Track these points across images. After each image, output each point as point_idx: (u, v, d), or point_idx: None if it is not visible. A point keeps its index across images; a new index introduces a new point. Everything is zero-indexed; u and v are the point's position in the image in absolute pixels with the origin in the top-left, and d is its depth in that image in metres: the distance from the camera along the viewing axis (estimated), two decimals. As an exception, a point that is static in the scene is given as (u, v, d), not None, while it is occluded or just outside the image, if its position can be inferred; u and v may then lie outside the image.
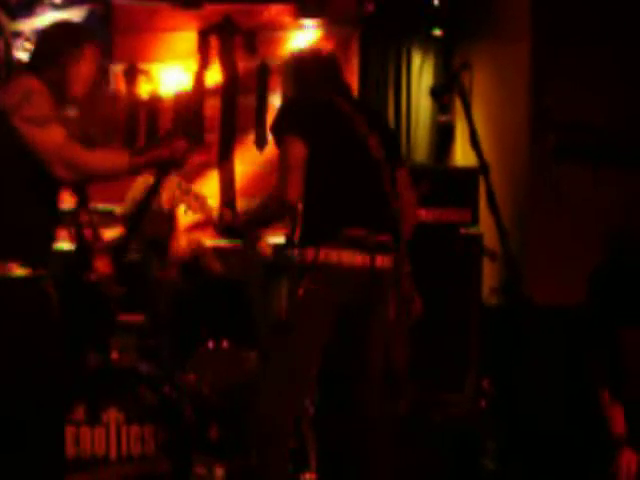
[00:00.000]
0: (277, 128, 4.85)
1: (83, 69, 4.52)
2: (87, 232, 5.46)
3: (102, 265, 5.39)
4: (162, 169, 5.01)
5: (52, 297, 4.66)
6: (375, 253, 4.64)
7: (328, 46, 8.03)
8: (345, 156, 4.76)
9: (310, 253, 4.66)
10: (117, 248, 5.60)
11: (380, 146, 4.80)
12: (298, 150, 4.70)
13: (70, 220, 5.51)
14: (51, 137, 4.25)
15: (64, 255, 5.51)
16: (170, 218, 6.50)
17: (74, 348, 5.19)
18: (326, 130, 4.74)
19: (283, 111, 4.97)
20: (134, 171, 4.85)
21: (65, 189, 4.86)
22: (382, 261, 4.67)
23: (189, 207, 5.01)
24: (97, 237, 5.50)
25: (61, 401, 4.73)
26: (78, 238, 5.48)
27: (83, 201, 5.42)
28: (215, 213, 5.03)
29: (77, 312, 5.32)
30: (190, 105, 7.92)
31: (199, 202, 5.02)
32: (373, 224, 4.71)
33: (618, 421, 4.41)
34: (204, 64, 7.94)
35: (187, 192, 5.05)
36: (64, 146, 4.32)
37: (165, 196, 5.28)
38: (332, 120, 4.82)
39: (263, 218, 5.08)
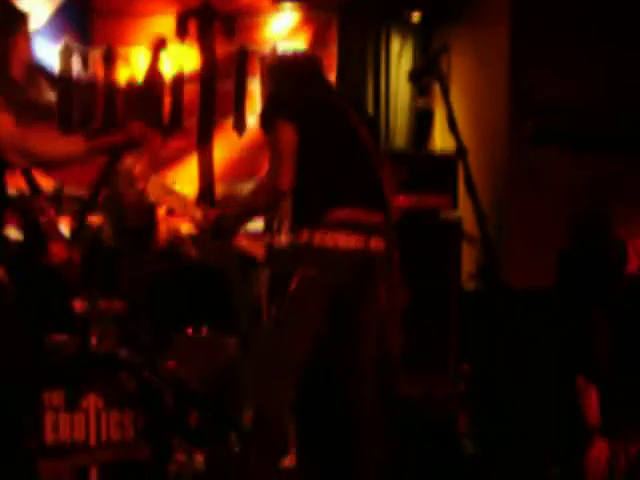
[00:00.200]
0: (267, 114, 4.82)
1: (20, 51, 4.56)
2: (42, 218, 5.47)
3: (57, 250, 5.39)
4: (117, 152, 5.05)
5: (3, 282, 4.68)
6: (370, 235, 4.64)
7: (307, 30, 8.06)
8: (338, 142, 4.75)
9: (304, 236, 4.66)
10: (74, 229, 5.58)
11: (370, 135, 4.80)
12: (289, 136, 4.66)
13: (21, 206, 5.51)
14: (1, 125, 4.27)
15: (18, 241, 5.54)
16: (151, 209, 6.50)
17: (31, 333, 5.18)
18: (318, 116, 4.74)
19: (274, 98, 4.97)
20: (91, 155, 4.93)
21: (14, 175, 4.89)
22: (376, 243, 4.67)
23: (172, 208, 5.12)
24: (52, 223, 5.49)
25: (23, 387, 4.74)
26: (31, 224, 5.48)
27: (35, 187, 5.42)
28: (199, 214, 4.94)
29: (32, 296, 5.34)
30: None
31: (182, 203, 5.00)
32: (366, 207, 4.71)
33: (591, 409, 4.49)
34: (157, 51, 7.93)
35: (170, 193, 5.01)
36: (16, 133, 4.33)
37: (150, 195, 5.22)
38: (324, 108, 4.83)
39: (252, 209, 5.08)
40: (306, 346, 4.74)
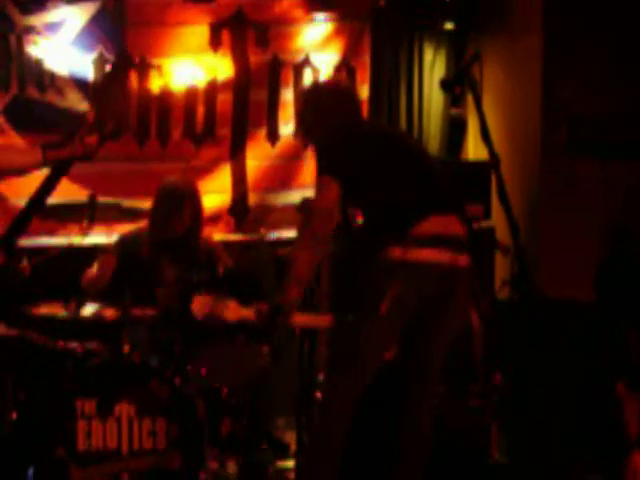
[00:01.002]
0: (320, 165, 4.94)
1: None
2: None
3: None
4: (67, 164, 5.17)
5: None
6: (456, 249, 4.80)
7: (340, 40, 8.07)
8: (397, 160, 5.00)
9: (397, 252, 4.74)
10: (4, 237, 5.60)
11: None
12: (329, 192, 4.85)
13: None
14: None
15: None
16: (196, 221, 6.52)
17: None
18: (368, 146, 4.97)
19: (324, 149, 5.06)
20: (47, 165, 5.26)
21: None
22: (462, 257, 4.84)
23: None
24: None
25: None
26: None
27: None
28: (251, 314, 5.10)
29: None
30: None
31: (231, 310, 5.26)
32: (447, 218, 4.88)
33: (632, 420, 4.27)
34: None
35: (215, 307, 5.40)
36: None
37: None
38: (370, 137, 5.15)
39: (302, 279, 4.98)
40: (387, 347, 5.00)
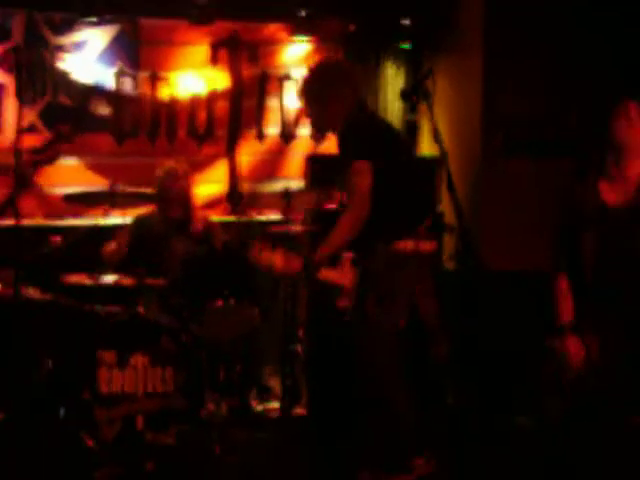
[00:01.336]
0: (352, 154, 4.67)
1: None
2: None
3: None
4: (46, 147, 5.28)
5: None
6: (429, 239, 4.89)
7: (317, 58, 8.03)
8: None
9: (409, 245, 4.76)
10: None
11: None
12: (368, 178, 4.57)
13: None
14: None
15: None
16: (187, 201, 6.51)
17: None
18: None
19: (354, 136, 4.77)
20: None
21: None
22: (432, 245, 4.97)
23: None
24: None
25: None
26: None
27: None
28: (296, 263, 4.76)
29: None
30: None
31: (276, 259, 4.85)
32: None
33: (567, 310, 4.30)
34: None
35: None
36: None
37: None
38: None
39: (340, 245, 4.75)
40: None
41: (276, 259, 4.73)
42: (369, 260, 4.72)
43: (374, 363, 4.87)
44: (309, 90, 5.01)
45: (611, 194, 4.23)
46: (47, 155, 5.73)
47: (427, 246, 4.89)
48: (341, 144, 4.84)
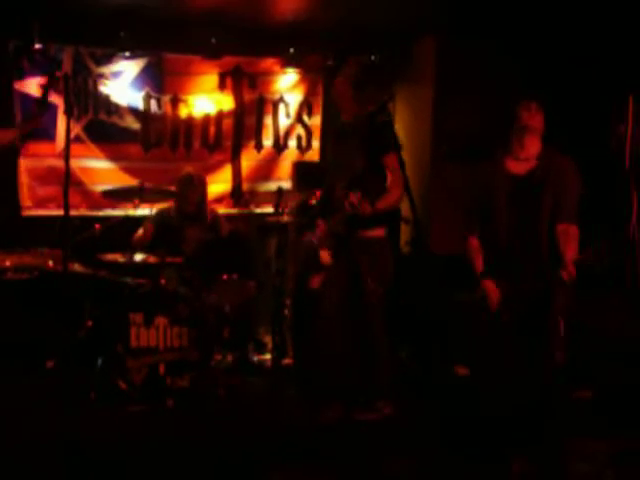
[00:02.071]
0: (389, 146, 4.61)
1: None
2: None
3: None
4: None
5: None
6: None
7: (303, 85, 8.06)
8: None
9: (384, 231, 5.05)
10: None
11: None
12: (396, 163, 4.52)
13: None
14: None
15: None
16: (202, 200, 6.53)
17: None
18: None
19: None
20: (18, 139, 5.68)
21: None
22: None
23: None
24: None
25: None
26: None
27: None
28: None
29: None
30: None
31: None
32: None
33: (479, 262, 4.51)
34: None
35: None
36: None
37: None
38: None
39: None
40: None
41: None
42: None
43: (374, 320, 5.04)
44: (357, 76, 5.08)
45: (516, 167, 4.42)
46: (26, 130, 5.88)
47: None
48: (372, 136, 4.80)
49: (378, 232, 5.02)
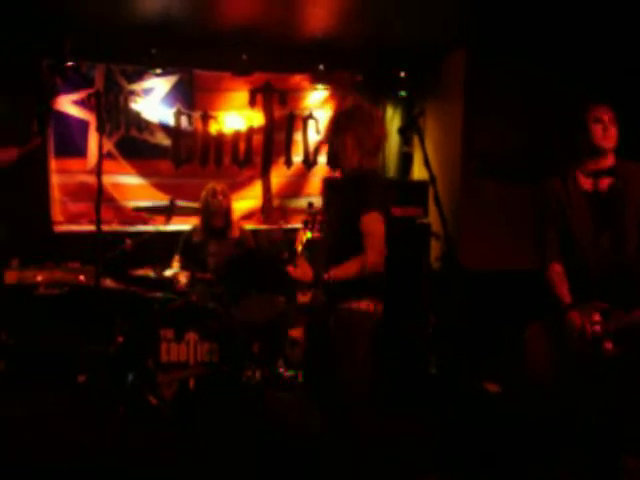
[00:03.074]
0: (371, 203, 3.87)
1: None
2: None
3: None
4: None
5: None
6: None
7: (332, 102, 8.07)
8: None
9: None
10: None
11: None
12: (380, 224, 3.86)
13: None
14: None
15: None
16: (228, 214, 6.50)
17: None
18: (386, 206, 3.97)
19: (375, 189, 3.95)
20: (19, 158, 5.72)
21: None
22: None
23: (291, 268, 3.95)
24: None
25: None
26: None
27: None
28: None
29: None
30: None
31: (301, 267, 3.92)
32: None
33: (565, 292, 4.06)
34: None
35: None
36: None
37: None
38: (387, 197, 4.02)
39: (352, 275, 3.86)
40: None
41: (292, 268, 3.93)
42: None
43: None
44: (333, 123, 4.18)
45: (589, 183, 4.10)
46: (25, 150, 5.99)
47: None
48: (353, 188, 3.99)
49: (361, 304, 3.98)
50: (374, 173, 4.09)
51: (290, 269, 3.91)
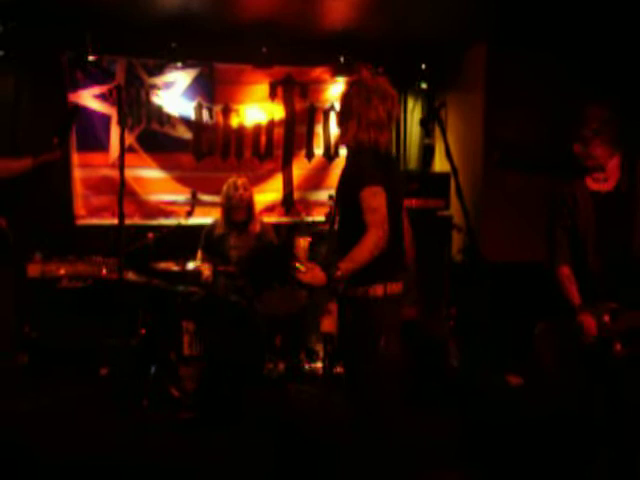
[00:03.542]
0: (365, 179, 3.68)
1: None
2: None
3: None
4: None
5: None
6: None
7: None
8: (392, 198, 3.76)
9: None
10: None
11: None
12: (384, 200, 3.66)
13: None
14: None
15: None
16: (249, 207, 6.49)
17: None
18: (389, 182, 3.74)
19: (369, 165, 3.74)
20: (34, 168, 5.57)
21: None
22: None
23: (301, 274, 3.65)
24: None
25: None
26: None
27: None
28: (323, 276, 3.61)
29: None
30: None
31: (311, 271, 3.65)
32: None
33: (575, 293, 4.06)
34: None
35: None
36: None
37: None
38: (391, 173, 3.82)
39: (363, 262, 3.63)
40: None
41: (302, 273, 3.64)
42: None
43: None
44: (342, 99, 3.99)
45: (597, 184, 4.10)
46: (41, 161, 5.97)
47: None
48: (353, 165, 3.85)
49: (368, 290, 3.77)
50: (372, 147, 3.80)
51: (300, 275, 3.65)
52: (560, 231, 4.19)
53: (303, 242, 4.16)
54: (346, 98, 3.92)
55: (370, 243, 3.60)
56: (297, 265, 3.68)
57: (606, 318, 3.93)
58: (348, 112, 3.87)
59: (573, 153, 4.12)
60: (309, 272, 3.65)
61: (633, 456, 3.97)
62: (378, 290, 3.72)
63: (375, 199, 3.64)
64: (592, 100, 4.18)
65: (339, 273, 3.60)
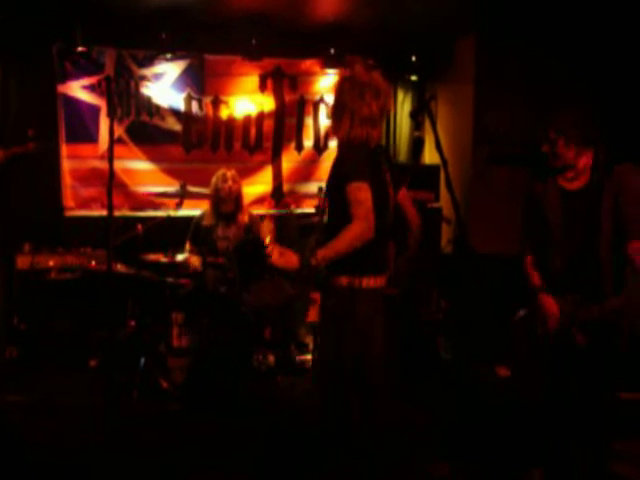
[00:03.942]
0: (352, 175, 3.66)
1: None
2: None
3: None
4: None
5: None
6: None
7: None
8: (379, 193, 3.75)
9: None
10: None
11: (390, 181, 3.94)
12: (370, 194, 3.63)
13: None
14: None
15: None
16: (238, 199, 6.48)
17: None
18: (377, 179, 3.75)
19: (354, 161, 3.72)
20: (5, 160, 5.65)
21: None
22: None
23: (274, 257, 3.72)
24: None
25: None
26: None
27: None
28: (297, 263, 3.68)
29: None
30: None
31: (284, 255, 3.71)
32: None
33: (536, 277, 4.22)
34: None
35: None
36: None
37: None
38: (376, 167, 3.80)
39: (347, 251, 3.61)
40: None
41: (274, 253, 3.69)
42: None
43: None
44: (335, 95, 3.93)
45: (568, 182, 4.18)
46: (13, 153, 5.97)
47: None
48: (343, 159, 3.80)
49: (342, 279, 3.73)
50: (363, 142, 3.78)
51: (273, 258, 3.68)
52: (530, 225, 4.32)
53: (267, 224, 4.09)
54: (339, 94, 3.89)
55: (352, 234, 3.60)
56: (267, 249, 3.71)
57: (569, 306, 4.07)
58: (341, 108, 3.84)
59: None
60: (282, 256, 3.70)
61: (598, 445, 4.11)
62: (355, 282, 3.70)
63: (360, 193, 3.64)
64: (565, 98, 4.26)
65: (316, 259, 3.60)
